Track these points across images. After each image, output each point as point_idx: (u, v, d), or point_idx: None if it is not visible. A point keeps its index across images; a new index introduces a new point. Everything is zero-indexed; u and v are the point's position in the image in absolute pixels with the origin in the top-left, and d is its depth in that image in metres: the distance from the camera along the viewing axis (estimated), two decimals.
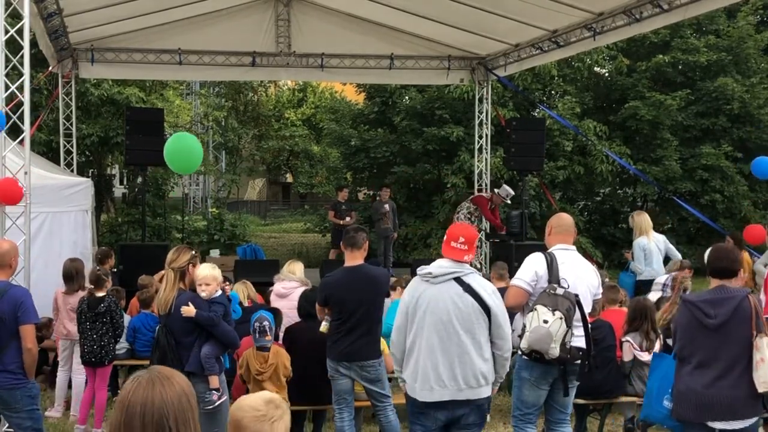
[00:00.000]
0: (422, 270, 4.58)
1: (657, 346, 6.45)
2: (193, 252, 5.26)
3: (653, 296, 8.23)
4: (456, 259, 4.54)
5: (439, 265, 4.53)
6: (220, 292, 5.21)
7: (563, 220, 5.40)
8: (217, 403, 5.16)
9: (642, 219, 9.66)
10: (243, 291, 7.09)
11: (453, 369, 4.42)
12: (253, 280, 8.32)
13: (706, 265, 4.64)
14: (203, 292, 5.08)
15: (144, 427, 2.00)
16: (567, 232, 5.31)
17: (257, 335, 5.76)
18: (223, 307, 5.21)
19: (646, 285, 8.90)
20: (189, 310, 4.98)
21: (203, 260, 14.92)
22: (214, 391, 5.14)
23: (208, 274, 5.10)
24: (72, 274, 6.92)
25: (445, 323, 4.43)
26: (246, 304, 7.02)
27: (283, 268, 7.46)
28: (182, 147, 8.09)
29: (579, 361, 5.06)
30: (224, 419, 5.29)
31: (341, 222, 13.58)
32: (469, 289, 4.45)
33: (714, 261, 4.52)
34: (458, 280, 4.47)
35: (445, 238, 4.65)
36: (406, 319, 4.56)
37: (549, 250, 5.20)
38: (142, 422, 1.99)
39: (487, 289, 4.52)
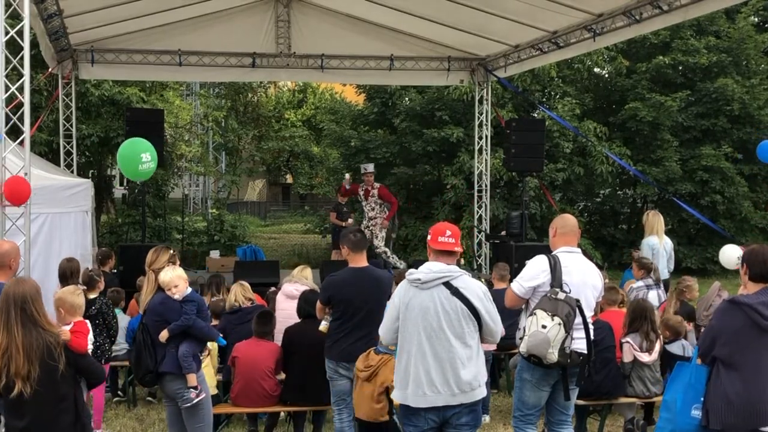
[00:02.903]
0: (411, 275, 4.52)
1: (657, 347, 6.47)
2: (171, 252, 5.32)
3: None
4: (448, 249, 4.50)
5: (428, 270, 4.47)
6: (190, 289, 5.24)
7: (568, 221, 5.37)
8: (195, 401, 5.21)
9: (656, 220, 9.56)
10: (239, 292, 7.08)
11: (445, 375, 4.38)
12: (253, 281, 8.32)
13: (749, 267, 4.37)
14: (175, 295, 5.15)
15: (15, 303, 3.90)
16: (572, 234, 5.29)
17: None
18: (196, 304, 5.27)
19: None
20: (162, 336, 5.10)
21: (204, 260, 14.93)
22: (192, 389, 5.20)
23: (173, 277, 5.15)
24: (67, 275, 6.87)
25: (435, 329, 4.39)
26: (245, 305, 7.01)
27: (294, 271, 7.50)
28: (134, 153, 8.16)
29: (579, 365, 5.06)
30: (207, 415, 5.37)
31: (343, 224, 13.55)
32: (457, 293, 4.41)
33: (760, 264, 4.33)
34: (447, 284, 4.43)
35: (430, 237, 4.59)
36: (396, 323, 4.53)
37: (553, 253, 5.17)
38: (14, 301, 3.90)
39: (477, 292, 4.46)
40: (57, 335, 4.00)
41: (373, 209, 12.95)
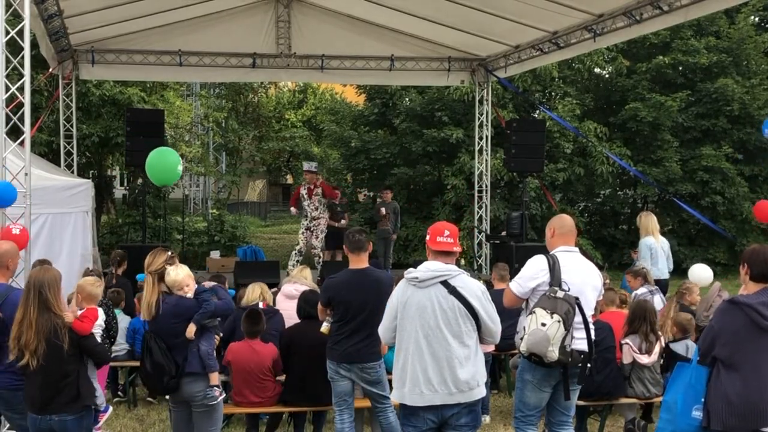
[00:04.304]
0: (409, 274, 4.52)
1: (656, 349, 6.46)
2: (170, 253, 5.24)
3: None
4: (447, 250, 4.51)
5: (426, 269, 4.48)
6: (195, 285, 5.22)
7: (565, 221, 5.38)
8: (218, 399, 5.21)
9: (650, 220, 9.68)
10: (266, 290, 7.02)
11: (443, 373, 4.38)
12: (254, 281, 8.30)
13: (750, 267, 4.36)
14: (188, 293, 5.11)
15: (35, 287, 4.51)
16: (570, 233, 5.30)
17: None
18: (209, 293, 5.24)
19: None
20: (190, 331, 5.02)
21: (204, 261, 14.92)
22: (215, 388, 5.17)
23: (182, 278, 5.08)
24: None
25: (433, 328, 4.39)
26: (261, 306, 6.95)
27: (293, 272, 7.47)
28: (161, 163, 8.29)
29: (580, 365, 5.05)
30: (221, 416, 5.36)
31: (336, 224, 13.61)
32: (455, 291, 4.41)
33: (761, 264, 4.31)
34: (445, 283, 4.43)
35: (428, 237, 4.59)
36: (394, 322, 4.54)
37: (552, 253, 5.18)
38: (34, 285, 4.53)
39: (475, 291, 4.46)
40: (63, 318, 4.56)
41: (316, 209, 12.99)
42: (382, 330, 4.66)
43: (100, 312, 5.08)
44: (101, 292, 5.31)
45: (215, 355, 5.32)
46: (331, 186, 13.62)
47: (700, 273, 8.88)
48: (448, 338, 4.39)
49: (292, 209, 13.47)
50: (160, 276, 5.10)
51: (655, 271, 9.28)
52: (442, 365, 4.39)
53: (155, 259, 5.15)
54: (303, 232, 13.07)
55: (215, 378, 5.17)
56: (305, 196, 12.97)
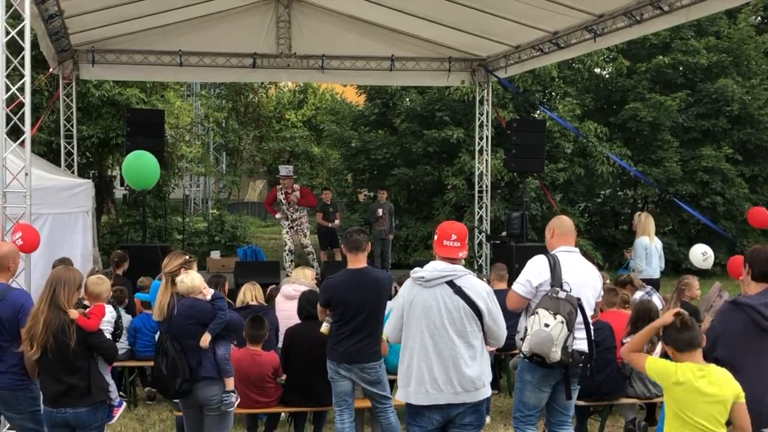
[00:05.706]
0: (416, 273, 4.54)
1: (658, 349, 6.46)
2: (187, 257, 5.23)
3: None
4: (451, 257, 4.52)
5: (433, 268, 4.49)
6: (212, 290, 5.23)
7: (565, 222, 5.39)
8: (235, 404, 5.22)
9: (649, 221, 9.93)
10: (251, 291, 7.04)
11: (448, 373, 4.39)
12: (254, 282, 8.31)
13: (751, 267, 4.36)
14: (207, 296, 5.11)
15: (51, 284, 4.76)
16: (570, 234, 5.31)
17: None
18: (224, 300, 5.26)
19: (645, 284, 8.95)
20: (205, 340, 5.01)
21: (204, 261, 14.92)
22: (231, 393, 5.17)
23: (198, 283, 5.07)
24: None
25: (438, 327, 4.40)
26: (254, 303, 6.97)
27: (293, 272, 7.48)
28: (138, 165, 8.26)
29: (581, 365, 5.05)
30: (231, 419, 5.35)
31: (330, 224, 13.67)
32: (460, 292, 4.42)
33: (762, 264, 4.31)
34: (450, 283, 4.44)
35: (436, 237, 4.61)
36: (401, 321, 4.55)
37: (552, 253, 5.18)
38: (51, 282, 4.78)
39: (480, 292, 4.47)
40: (69, 315, 4.74)
41: (297, 210, 13.02)
42: (389, 329, 4.67)
43: (109, 308, 5.13)
44: (106, 289, 5.34)
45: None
46: (311, 191, 13.69)
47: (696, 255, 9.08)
48: (454, 338, 4.40)
49: (277, 215, 13.47)
50: (173, 278, 5.09)
51: (648, 270, 9.58)
52: (447, 365, 4.39)
53: (171, 261, 5.15)
54: (287, 231, 13.14)
55: (231, 383, 5.15)
56: (283, 201, 13.02)
